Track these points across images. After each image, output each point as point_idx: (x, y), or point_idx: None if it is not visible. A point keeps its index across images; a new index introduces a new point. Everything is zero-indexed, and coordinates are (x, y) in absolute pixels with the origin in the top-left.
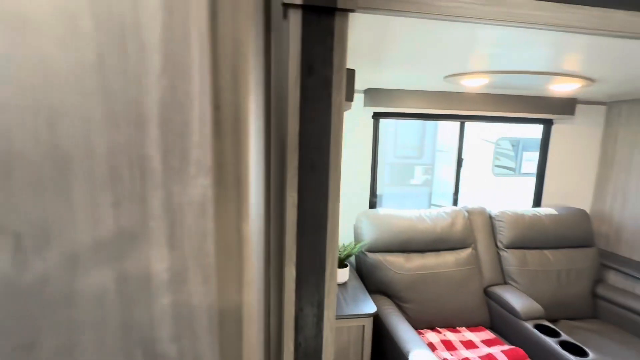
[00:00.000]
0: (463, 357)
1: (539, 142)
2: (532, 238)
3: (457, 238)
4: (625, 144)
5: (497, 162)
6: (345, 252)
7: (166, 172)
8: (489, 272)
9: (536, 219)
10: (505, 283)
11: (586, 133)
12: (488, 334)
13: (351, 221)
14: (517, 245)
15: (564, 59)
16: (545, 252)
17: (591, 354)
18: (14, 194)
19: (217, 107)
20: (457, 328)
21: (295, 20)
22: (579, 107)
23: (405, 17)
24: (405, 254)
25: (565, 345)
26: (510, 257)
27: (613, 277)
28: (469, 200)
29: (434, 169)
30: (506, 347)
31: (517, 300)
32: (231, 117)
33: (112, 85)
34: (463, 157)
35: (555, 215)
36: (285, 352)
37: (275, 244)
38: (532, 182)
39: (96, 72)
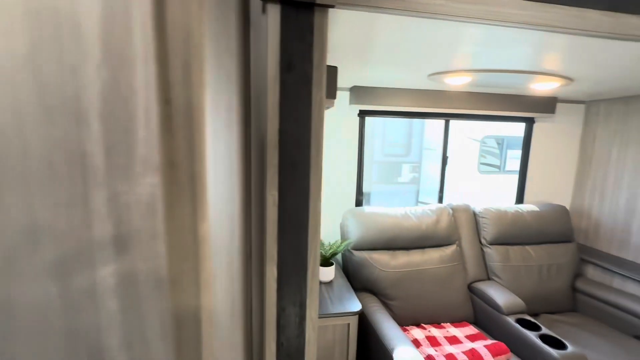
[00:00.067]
0: (447, 352)
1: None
2: (515, 234)
3: (442, 235)
4: (603, 142)
5: (483, 160)
6: (331, 251)
7: (110, 170)
8: (473, 268)
9: (518, 215)
10: (488, 279)
11: (566, 131)
12: (472, 329)
13: (337, 219)
14: (500, 241)
15: (544, 58)
16: (527, 247)
17: (570, 347)
18: None
19: (167, 101)
20: (442, 324)
21: (274, 15)
22: (560, 106)
23: (386, 14)
24: (390, 252)
25: (545, 338)
26: (494, 253)
27: (592, 271)
28: (454, 197)
29: (421, 167)
30: (489, 341)
31: (500, 296)
32: (183, 112)
33: (46, 77)
34: (448, 155)
35: (536, 211)
36: (267, 352)
37: (256, 243)
38: (516, 179)
39: (29, 62)
